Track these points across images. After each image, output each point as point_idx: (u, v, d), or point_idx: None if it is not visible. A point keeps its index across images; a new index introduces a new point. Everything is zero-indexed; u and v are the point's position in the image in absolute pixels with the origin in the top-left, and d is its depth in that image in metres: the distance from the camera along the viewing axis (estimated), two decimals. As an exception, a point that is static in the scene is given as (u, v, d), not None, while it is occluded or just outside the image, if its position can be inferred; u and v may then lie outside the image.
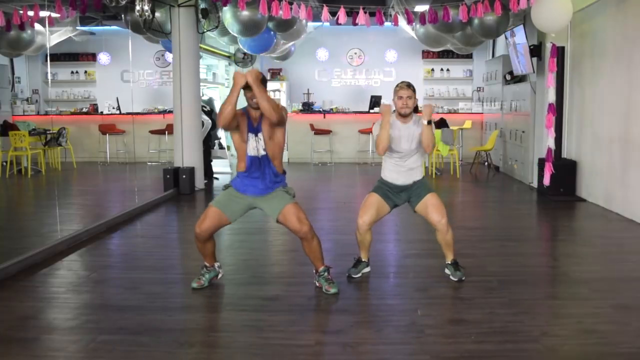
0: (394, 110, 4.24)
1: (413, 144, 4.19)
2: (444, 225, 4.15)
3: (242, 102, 3.86)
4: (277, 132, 3.95)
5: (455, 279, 4.22)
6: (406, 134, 4.18)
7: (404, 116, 4.17)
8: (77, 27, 9.67)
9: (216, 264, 4.21)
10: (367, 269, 4.42)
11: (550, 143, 7.21)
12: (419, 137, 4.18)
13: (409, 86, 4.17)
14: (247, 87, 3.79)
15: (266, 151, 3.92)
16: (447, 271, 4.31)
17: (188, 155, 8.40)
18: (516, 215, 7.08)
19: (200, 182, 8.59)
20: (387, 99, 12.33)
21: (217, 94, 13.17)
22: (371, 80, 13.79)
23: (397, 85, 4.20)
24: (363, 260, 4.40)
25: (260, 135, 3.90)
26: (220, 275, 4.23)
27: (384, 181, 4.33)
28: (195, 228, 3.94)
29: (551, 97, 7.16)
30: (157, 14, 8.19)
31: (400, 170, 4.25)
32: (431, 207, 4.16)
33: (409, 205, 4.32)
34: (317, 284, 4.09)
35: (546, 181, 7.29)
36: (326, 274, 4.05)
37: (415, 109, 4.27)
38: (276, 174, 3.98)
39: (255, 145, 3.90)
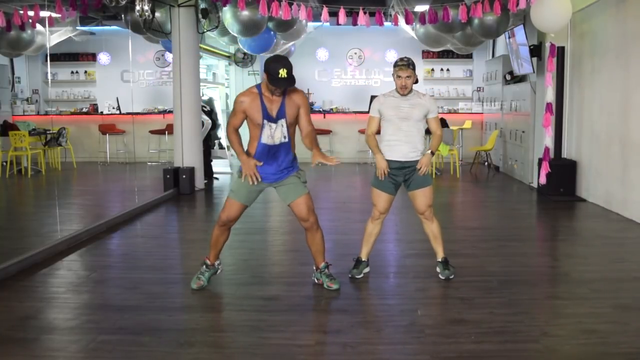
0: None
1: (414, 111, 4.14)
2: (429, 216, 4.25)
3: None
4: (301, 114, 3.91)
5: (443, 277, 4.23)
6: (407, 104, 4.14)
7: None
8: (77, 27, 9.67)
9: (216, 262, 4.20)
10: (367, 269, 4.42)
11: (548, 142, 7.22)
12: (422, 110, 4.15)
13: (409, 65, 4.08)
14: (280, 85, 3.66)
15: (288, 138, 3.88)
16: (437, 269, 4.32)
17: (188, 155, 8.40)
18: (516, 215, 7.08)
19: (200, 182, 8.59)
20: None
21: (217, 94, 13.16)
22: (371, 80, 13.79)
23: (396, 64, 4.11)
24: (363, 259, 4.40)
25: (282, 122, 3.81)
26: (219, 271, 4.23)
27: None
28: (221, 215, 3.97)
29: (549, 96, 7.16)
30: (157, 14, 8.19)
31: (400, 141, 4.16)
32: (420, 197, 4.22)
33: (404, 186, 4.28)
34: (317, 281, 4.10)
35: (542, 180, 7.30)
36: (327, 270, 4.07)
37: (416, 82, 4.21)
38: (293, 159, 3.98)
39: (271, 134, 3.82)
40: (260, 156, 3.87)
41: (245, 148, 3.92)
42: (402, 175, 4.23)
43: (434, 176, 10.05)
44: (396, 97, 4.19)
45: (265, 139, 3.83)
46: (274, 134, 3.82)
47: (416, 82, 4.21)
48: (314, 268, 4.15)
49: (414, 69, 4.11)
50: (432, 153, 4.24)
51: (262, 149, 3.86)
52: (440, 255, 4.33)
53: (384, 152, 4.25)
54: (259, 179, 3.86)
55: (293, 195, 3.96)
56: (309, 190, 4.03)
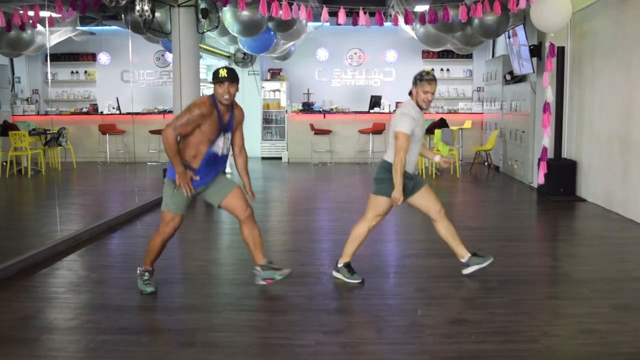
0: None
1: (422, 130, 4.25)
2: (444, 214, 4.26)
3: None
4: (239, 130, 4.03)
5: (464, 273, 4.27)
6: (421, 121, 4.13)
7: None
8: (77, 27, 9.67)
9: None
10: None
11: (546, 142, 7.22)
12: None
13: (435, 80, 4.00)
14: (222, 82, 3.69)
15: (231, 148, 3.98)
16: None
17: (188, 155, 8.38)
18: (516, 215, 7.08)
19: (200, 182, 8.58)
20: (387, 99, 12.37)
21: (217, 94, 13.17)
22: (371, 80, 13.79)
23: (423, 76, 3.98)
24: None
25: (228, 135, 3.89)
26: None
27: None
28: (165, 230, 3.90)
29: (548, 96, 7.17)
30: (157, 14, 8.18)
31: (413, 156, 4.15)
32: (428, 198, 4.21)
33: (407, 195, 4.21)
34: (266, 281, 4.03)
35: (540, 180, 7.30)
36: (272, 263, 4.08)
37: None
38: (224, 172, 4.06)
39: (223, 145, 3.86)
40: (205, 165, 3.83)
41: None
42: (411, 184, 4.18)
43: (433, 176, 10.06)
44: (420, 114, 4.09)
45: (218, 148, 3.83)
46: (226, 143, 3.88)
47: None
48: (258, 267, 4.04)
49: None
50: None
51: (209, 158, 3.82)
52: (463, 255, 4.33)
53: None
54: (192, 190, 3.83)
55: (226, 190, 3.95)
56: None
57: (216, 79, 3.72)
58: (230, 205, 3.97)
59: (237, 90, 3.80)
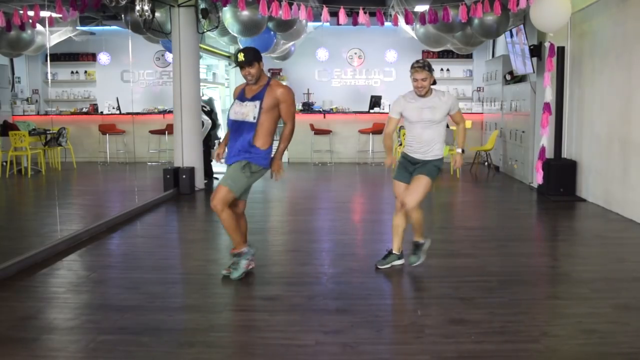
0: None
1: (437, 114, 4.23)
2: (409, 208, 4.26)
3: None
4: (283, 104, 4.12)
5: (408, 263, 4.44)
6: (428, 105, 4.23)
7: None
8: (77, 27, 9.68)
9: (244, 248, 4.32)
10: (398, 262, 4.51)
11: (544, 142, 7.21)
12: (443, 111, 4.24)
13: (424, 67, 4.15)
14: (241, 66, 4.05)
15: (256, 120, 4.06)
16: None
17: (188, 155, 8.40)
18: (516, 215, 7.08)
19: (200, 182, 8.60)
20: (387, 99, 12.36)
21: (217, 94, 13.18)
22: (371, 80, 13.79)
23: (412, 66, 4.19)
24: (394, 252, 4.49)
25: (256, 103, 4.06)
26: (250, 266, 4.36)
27: (403, 154, 4.47)
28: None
29: (547, 96, 7.16)
30: (157, 14, 8.19)
31: (420, 143, 4.28)
32: (410, 186, 4.29)
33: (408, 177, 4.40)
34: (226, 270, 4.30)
35: (539, 180, 7.30)
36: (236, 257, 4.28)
37: (434, 83, 4.29)
38: (251, 145, 4.08)
39: (239, 110, 4.11)
40: (229, 131, 4.22)
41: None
42: (414, 169, 4.35)
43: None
44: (417, 100, 4.26)
45: (232, 114, 4.15)
46: (243, 110, 4.10)
47: (434, 83, 4.27)
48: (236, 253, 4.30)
49: (430, 70, 4.19)
50: (463, 151, 4.42)
51: (229, 124, 4.20)
52: (415, 237, 4.48)
53: (405, 148, 4.43)
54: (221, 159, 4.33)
55: (222, 179, 4.17)
56: (230, 186, 4.09)
57: (236, 63, 4.12)
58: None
59: (258, 69, 4.10)
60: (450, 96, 4.33)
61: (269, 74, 4.16)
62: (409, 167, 4.38)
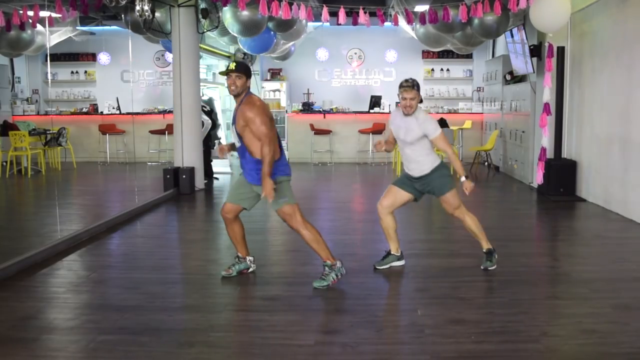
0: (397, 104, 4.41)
1: (408, 136, 4.28)
2: (456, 216, 4.45)
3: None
4: (251, 126, 3.92)
5: (482, 267, 4.46)
6: (404, 125, 4.30)
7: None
8: (77, 27, 9.67)
9: (249, 258, 4.38)
10: (398, 263, 4.55)
11: (544, 142, 7.21)
12: (417, 133, 4.26)
13: (413, 87, 4.22)
14: (229, 74, 3.97)
15: (240, 142, 4.07)
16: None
17: (188, 155, 8.40)
18: (516, 215, 7.08)
19: (200, 182, 8.60)
20: (387, 99, 12.37)
21: (217, 94, 13.18)
22: (371, 80, 13.79)
23: (401, 85, 4.25)
24: (392, 253, 4.53)
25: (233, 127, 4.07)
26: (251, 269, 4.42)
27: (404, 172, 4.56)
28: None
29: (546, 96, 7.16)
30: (157, 14, 8.19)
31: (407, 160, 4.41)
32: (445, 203, 4.45)
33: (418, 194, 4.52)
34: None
35: (539, 180, 7.30)
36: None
37: (420, 101, 4.35)
38: (256, 162, 4.00)
39: (234, 136, 4.11)
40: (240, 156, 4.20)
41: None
42: (420, 185, 4.43)
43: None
44: (401, 118, 4.34)
45: (233, 138, 4.18)
46: (232, 134, 4.12)
47: (420, 101, 4.31)
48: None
49: (418, 90, 4.25)
50: (467, 177, 4.43)
51: (237, 149, 4.18)
52: (483, 246, 4.54)
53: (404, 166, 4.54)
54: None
55: (274, 207, 4.10)
56: (288, 201, 4.07)
57: (225, 71, 4.02)
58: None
59: (243, 83, 3.99)
60: (426, 119, 4.26)
61: (252, 91, 4.11)
62: (410, 179, 4.46)
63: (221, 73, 4.09)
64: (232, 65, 3.99)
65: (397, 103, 4.50)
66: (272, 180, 3.89)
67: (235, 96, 4.03)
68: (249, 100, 3.99)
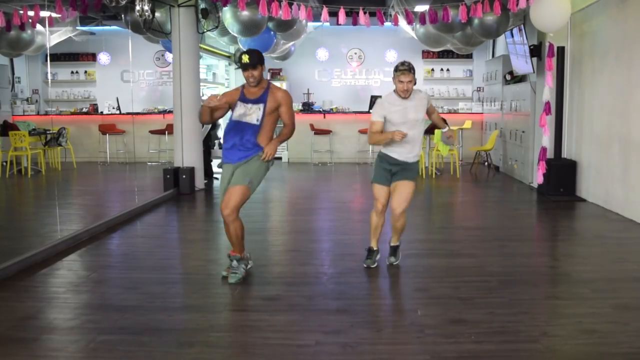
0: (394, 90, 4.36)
1: (420, 113, 4.32)
2: (398, 213, 4.35)
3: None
4: (285, 107, 4.20)
5: (387, 262, 4.53)
6: (411, 105, 4.29)
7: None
8: (77, 27, 9.68)
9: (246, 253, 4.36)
10: (378, 256, 4.59)
11: (545, 142, 7.21)
12: (424, 107, 4.33)
13: (410, 70, 4.21)
14: (245, 68, 4.07)
15: (260, 122, 4.14)
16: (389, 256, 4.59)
17: (188, 155, 8.40)
18: (516, 215, 7.08)
19: (200, 182, 8.60)
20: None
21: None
22: (371, 80, 13.79)
23: (397, 68, 4.23)
24: (374, 248, 4.54)
25: (260, 106, 4.14)
26: (249, 266, 4.41)
27: (382, 154, 4.47)
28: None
29: (546, 96, 7.16)
30: (157, 14, 8.19)
31: (405, 142, 4.32)
32: (398, 192, 4.35)
33: (390, 180, 4.47)
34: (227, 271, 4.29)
35: (539, 180, 7.30)
36: (236, 262, 4.24)
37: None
38: (255, 144, 4.15)
39: (245, 112, 4.15)
40: (228, 131, 4.22)
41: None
42: (396, 169, 4.40)
43: (433, 176, 10.06)
44: (400, 102, 4.30)
45: (236, 116, 4.19)
46: (248, 112, 4.15)
47: (414, 83, 4.32)
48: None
49: (414, 73, 4.25)
50: (448, 127, 4.58)
51: (231, 125, 4.21)
52: (393, 241, 4.59)
53: (385, 150, 4.43)
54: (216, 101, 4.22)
55: (233, 182, 4.15)
56: (250, 185, 4.13)
57: (239, 65, 4.17)
58: (225, 197, 4.17)
59: (260, 71, 4.16)
60: (425, 93, 4.44)
61: (268, 75, 4.20)
62: (387, 167, 4.42)
63: (240, 66, 4.16)
64: (246, 58, 4.06)
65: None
66: (274, 150, 4.15)
67: (255, 84, 4.18)
68: (275, 85, 4.30)
